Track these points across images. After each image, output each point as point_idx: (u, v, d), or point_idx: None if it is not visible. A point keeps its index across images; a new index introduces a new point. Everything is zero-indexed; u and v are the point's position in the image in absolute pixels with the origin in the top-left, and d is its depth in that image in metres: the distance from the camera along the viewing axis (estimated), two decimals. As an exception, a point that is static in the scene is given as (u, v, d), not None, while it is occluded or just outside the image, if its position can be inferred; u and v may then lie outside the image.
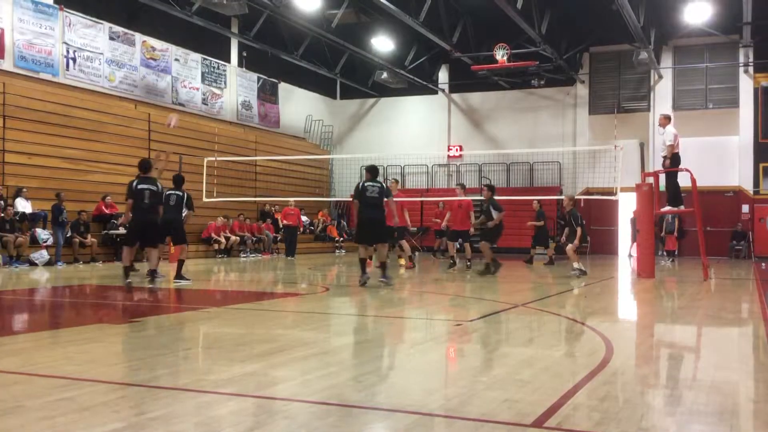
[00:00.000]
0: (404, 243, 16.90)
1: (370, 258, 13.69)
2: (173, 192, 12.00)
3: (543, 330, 7.52)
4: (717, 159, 25.48)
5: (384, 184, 11.96)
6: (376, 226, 11.57)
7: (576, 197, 25.49)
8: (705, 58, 26.65)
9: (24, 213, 16.64)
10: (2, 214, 15.78)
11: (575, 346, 6.59)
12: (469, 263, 16.32)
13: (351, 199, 12.23)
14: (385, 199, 11.62)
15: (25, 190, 16.98)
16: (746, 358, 6.27)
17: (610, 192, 17.95)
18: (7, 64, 17.89)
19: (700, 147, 24.38)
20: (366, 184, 11.58)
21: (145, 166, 11.92)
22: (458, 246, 16.89)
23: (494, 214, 14.63)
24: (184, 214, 12.32)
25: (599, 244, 27.17)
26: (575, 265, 14.66)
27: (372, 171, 11.77)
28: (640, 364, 5.67)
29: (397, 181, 18.84)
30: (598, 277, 15.46)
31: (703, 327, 8.15)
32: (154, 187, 11.62)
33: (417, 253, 19.43)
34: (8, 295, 10.66)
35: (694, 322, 8.50)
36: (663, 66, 26.69)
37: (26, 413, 3.77)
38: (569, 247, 14.70)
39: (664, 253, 22.94)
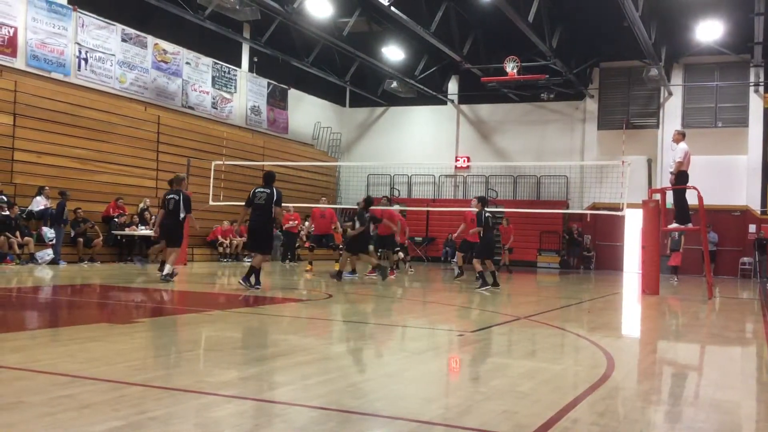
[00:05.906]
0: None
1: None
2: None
3: (545, 343, 7.50)
4: (725, 178, 25.39)
5: (273, 190, 11.58)
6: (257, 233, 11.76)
7: (586, 212, 25.65)
8: (715, 76, 26.63)
9: (31, 211, 16.58)
10: (7, 212, 15.74)
11: (576, 360, 6.57)
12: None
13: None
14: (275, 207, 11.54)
15: (47, 188, 16.83)
16: (748, 377, 6.24)
17: (617, 207, 17.92)
18: (20, 63, 18.01)
19: (708, 165, 24.29)
20: (256, 191, 11.66)
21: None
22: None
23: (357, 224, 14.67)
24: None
25: (605, 260, 27.15)
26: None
27: (265, 178, 11.75)
28: (641, 380, 5.65)
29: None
30: (602, 293, 15.42)
31: (705, 345, 8.12)
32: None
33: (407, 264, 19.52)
34: (11, 292, 10.69)
35: (696, 340, 8.47)
36: (673, 83, 26.69)
37: (27, 409, 3.79)
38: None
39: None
